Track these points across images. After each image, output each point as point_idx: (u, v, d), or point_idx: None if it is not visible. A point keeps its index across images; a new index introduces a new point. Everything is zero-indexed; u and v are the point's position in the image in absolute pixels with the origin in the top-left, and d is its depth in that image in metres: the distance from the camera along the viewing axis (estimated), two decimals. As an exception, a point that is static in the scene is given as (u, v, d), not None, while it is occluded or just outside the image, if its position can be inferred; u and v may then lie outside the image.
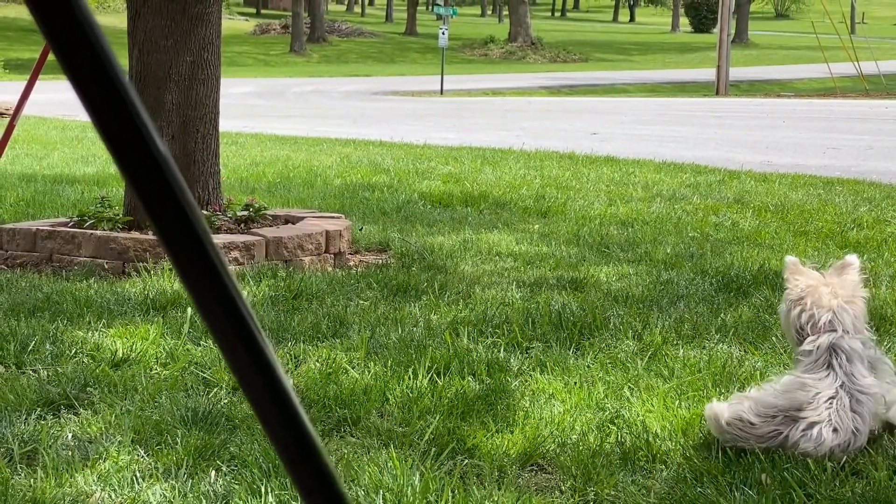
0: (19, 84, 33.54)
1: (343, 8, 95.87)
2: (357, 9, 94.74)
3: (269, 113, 24.81)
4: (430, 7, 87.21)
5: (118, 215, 6.74)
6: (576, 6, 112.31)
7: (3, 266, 6.43)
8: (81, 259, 6.31)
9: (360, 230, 7.82)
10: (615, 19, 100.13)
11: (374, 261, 6.99)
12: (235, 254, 6.34)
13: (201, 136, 6.84)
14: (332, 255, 6.84)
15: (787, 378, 3.62)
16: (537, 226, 8.39)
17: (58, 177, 10.84)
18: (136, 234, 6.37)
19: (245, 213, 7.01)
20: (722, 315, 5.32)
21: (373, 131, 19.08)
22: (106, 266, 6.23)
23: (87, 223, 6.61)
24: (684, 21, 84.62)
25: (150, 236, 6.36)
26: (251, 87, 35.94)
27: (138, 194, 0.75)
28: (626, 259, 6.97)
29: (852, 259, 3.78)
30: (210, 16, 6.86)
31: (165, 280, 5.81)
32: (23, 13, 59.78)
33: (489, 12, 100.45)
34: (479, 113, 25.53)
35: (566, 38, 68.48)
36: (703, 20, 78.84)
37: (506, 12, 74.30)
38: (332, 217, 7.37)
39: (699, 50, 62.96)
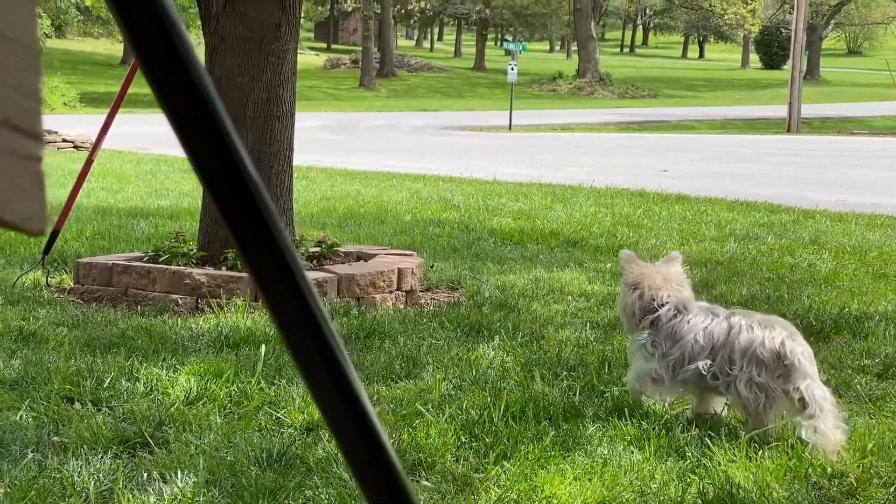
0: (95, 117, 34.29)
1: (412, 43, 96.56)
2: (426, 44, 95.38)
3: (339, 147, 24.96)
4: (499, 43, 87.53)
5: (192, 250, 6.78)
6: (644, 42, 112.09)
7: (79, 300, 6.48)
8: (156, 294, 6.34)
9: (432, 268, 7.79)
10: (684, 55, 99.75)
11: (445, 299, 6.96)
12: (308, 291, 6.33)
13: (275, 173, 6.87)
14: (404, 293, 6.82)
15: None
16: (609, 265, 8.30)
17: (132, 210, 10.96)
18: (209, 270, 6.40)
19: (317, 249, 7.02)
20: (802, 360, 5.19)
21: (442, 166, 19.11)
22: (179, 301, 6.26)
23: (162, 258, 6.66)
24: (754, 57, 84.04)
25: (224, 272, 6.39)
26: (321, 122, 36.24)
27: (229, 224, 0.74)
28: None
29: (676, 254, 4.53)
30: (286, 53, 6.89)
31: (239, 317, 5.82)
32: (98, 47, 60.90)
33: (557, 48, 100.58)
34: (548, 148, 25.48)
35: (635, 74, 68.32)
36: (773, 56, 78.23)
37: (574, 48, 74.36)
38: (404, 254, 7.35)
39: (769, 86, 62.46)
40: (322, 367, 0.78)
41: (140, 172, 16.15)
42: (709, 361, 4.10)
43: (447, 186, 14.38)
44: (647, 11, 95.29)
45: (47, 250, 7.03)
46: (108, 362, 4.82)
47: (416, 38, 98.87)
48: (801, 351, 3.99)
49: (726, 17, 61.60)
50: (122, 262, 6.57)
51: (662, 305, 4.28)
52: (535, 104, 50.02)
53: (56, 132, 21.54)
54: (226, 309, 5.98)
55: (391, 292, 6.70)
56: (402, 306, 6.66)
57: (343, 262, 6.97)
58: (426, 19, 78.09)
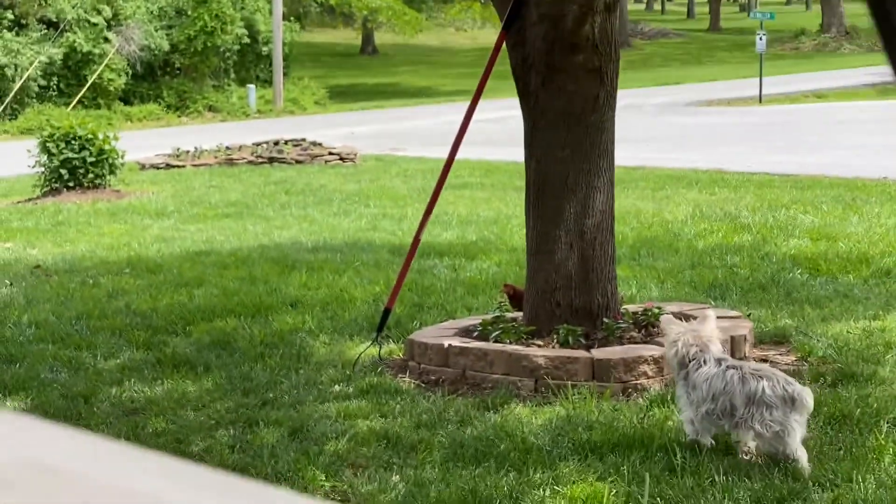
0: (343, 115, 34.86)
1: (642, 7, 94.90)
2: (656, 5, 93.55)
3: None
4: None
5: (520, 325, 6.84)
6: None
7: (420, 382, 6.62)
8: (495, 377, 6.43)
9: (749, 316, 7.62)
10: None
11: (779, 359, 6.79)
12: (644, 367, 6.30)
13: (598, 244, 6.85)
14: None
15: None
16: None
17: (424, 248, 11.05)
18: (546, 351, 6.43)
19: (643, 316, 6.97)
20: None
21: (700, 156, 18.83)
22: (518, 384, 6.32)
23: (493, 333, 6.74)
24: None
25: (559, 351, 6.44)
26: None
27: None
28: None
29: (710, 312, 5.65)
30: (605, 123, 6.86)
31: (589, 409, 5.81)
32: (337, 37, 62.29)
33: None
34: (807, 126, 24.57)
35: (882, 23, 64.87)
36: None
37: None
38: (732, 316, 7.20)
39: None
40: None
41: (412, 190, 16.24)
42: (711, 406, 5.07)
43: (726, 195, 14.02)
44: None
45: (381, 328, 7.21)
46: (486, 480, 4.90)
47: (646, 1, 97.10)
48: (808, 392, 5.06)
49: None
50: (457, 344, 6.69)
51: (692, 360, 5.20)
52: (779, 67, 48.27)
53: (320, 143, 22.08)
54: (569, 396, 6.00)
55: (725, 361, 6.58)
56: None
57: (671, 330, 6.88)
58: (657, -17, 76.51)
